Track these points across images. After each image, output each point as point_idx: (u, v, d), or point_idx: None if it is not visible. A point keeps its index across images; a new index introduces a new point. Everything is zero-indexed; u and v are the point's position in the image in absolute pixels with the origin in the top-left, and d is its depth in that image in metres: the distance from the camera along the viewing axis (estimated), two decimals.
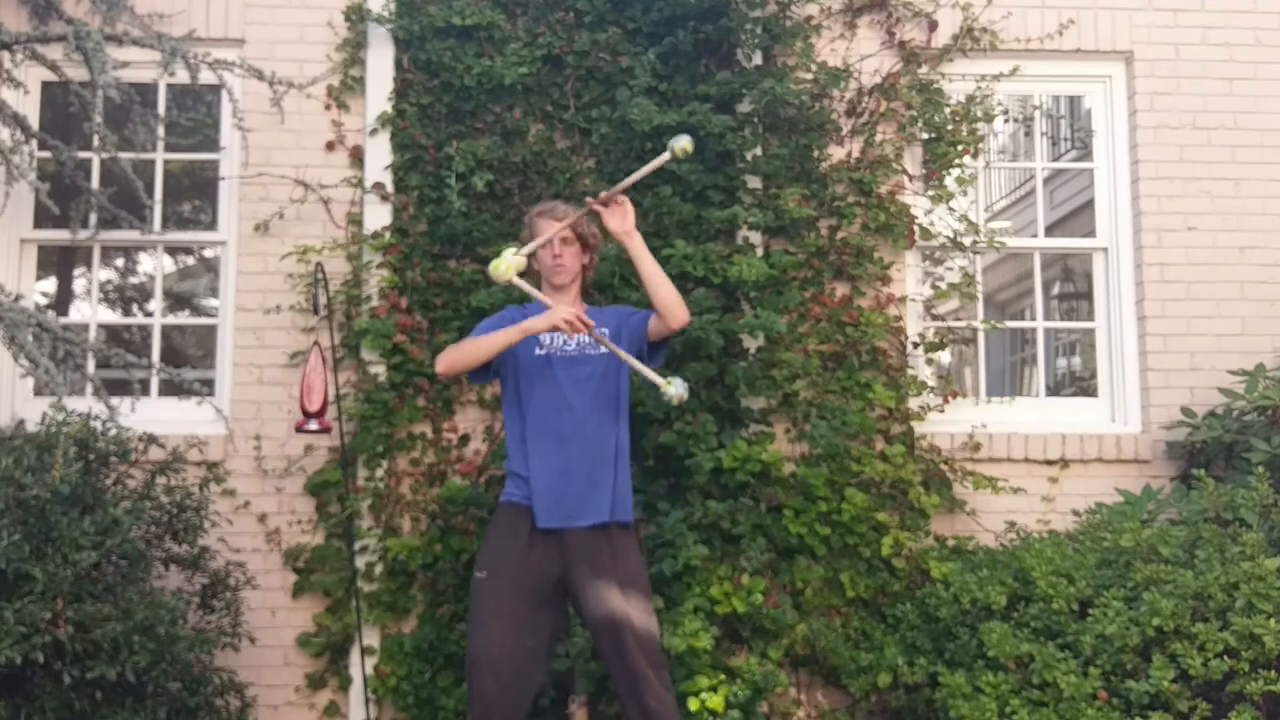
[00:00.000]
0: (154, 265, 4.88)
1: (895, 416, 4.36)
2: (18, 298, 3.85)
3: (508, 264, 3.15)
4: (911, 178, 4.57)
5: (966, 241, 4.54)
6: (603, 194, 3.20)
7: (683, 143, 3.14)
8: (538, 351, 3.28)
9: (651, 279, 3.24)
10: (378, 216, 4.33)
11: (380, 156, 4.36)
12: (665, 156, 3.19)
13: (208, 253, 6.04)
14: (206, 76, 4.02)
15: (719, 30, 4.35)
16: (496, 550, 3.21)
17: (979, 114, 4.54)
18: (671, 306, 3.23)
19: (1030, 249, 4.91)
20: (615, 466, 3.24)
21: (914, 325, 4.53)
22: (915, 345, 4.47)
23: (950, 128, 4.50)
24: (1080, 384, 7.76)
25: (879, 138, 4.52)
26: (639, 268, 3.26)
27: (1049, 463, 4.45)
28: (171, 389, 4.25)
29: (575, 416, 3.21)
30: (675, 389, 3.16)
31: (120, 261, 7.33)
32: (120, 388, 3.91)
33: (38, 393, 4.29)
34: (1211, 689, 3.18)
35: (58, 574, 3.22)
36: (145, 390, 4.15)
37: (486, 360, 3.21)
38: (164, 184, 4.51)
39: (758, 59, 4.47)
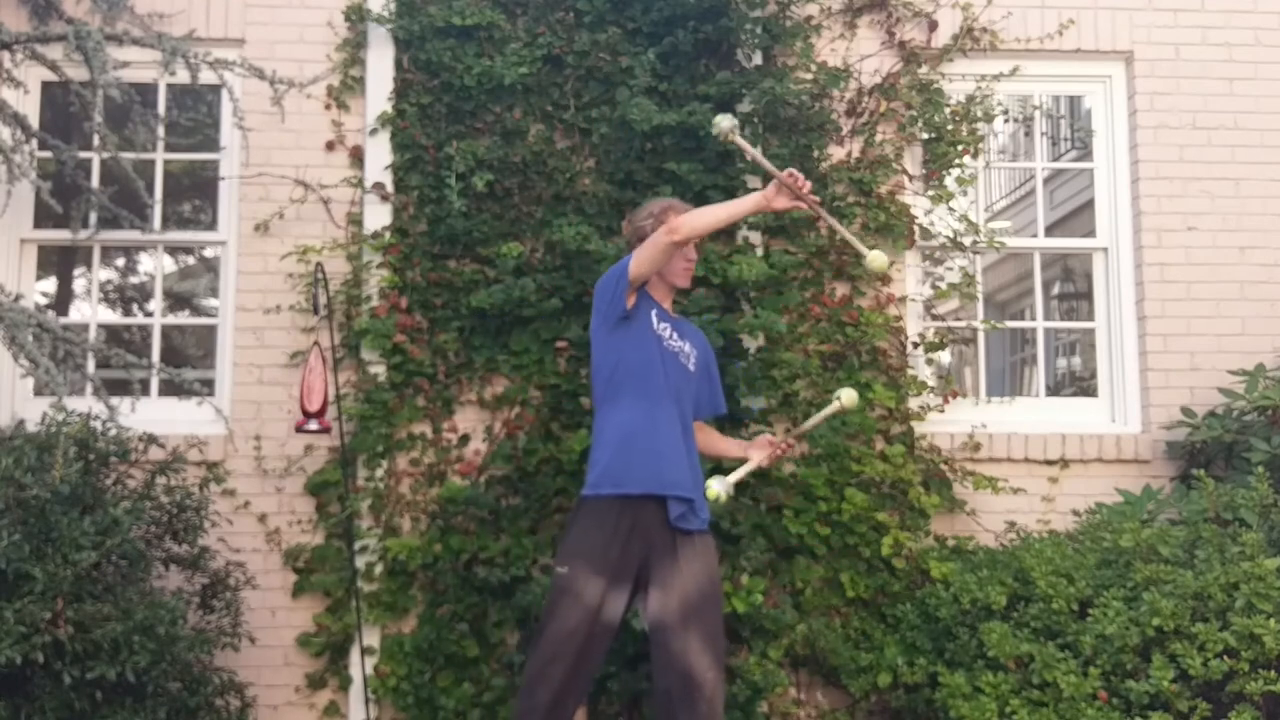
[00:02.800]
0: (154, 265, 4.88)
1: (895, 416, 4.36)
2: (18, 298, 3.85)
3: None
4: (911, 178, 4.57)
5: (966, 241, 4.54)
6: (790, 439, 3.41)
7: (852, 397, 3.28)
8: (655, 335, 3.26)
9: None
10: (378, 216, 4.33)
11: (380, 156, 4.36)
12: (835, 406, 3.29)
13: (208, 253, 6.04)
14: (207, 76, 4.01)
15: (719, 30, 4.35)
16: (580, 543, 3.16)
17: (979, 114, 4.54)
18: None
19: (1030, 249, 4.91)
20: (697, 470, 3.29)
21: (914, 325, 4.53)
22: (915, 345, 4.47)
23: (950, 128, 4.50)
24: (1080, 384, 7.76)
25: (879, 138, 4.52)
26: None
27: (1049, 463, 4.45)
28: (171, 389, 4.25)
29: (674, 412, 3.23)
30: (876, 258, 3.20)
31: (120, 261, 7.32)
32: (120, 388, 3.91)
33: (38, 393, 4.29)
34: (1211, 689, 3.18)
35: (58, 574, 3.22)
36: (145, 390, 4.15)
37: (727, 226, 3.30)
38: (164, 184, 4.50)
39: (758, 59, 4.47)
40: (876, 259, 3.12)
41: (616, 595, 3.13)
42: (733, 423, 4.21)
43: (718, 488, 3.12)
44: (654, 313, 3.27)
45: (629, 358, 3.20)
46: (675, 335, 3.29)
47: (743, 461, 3.37)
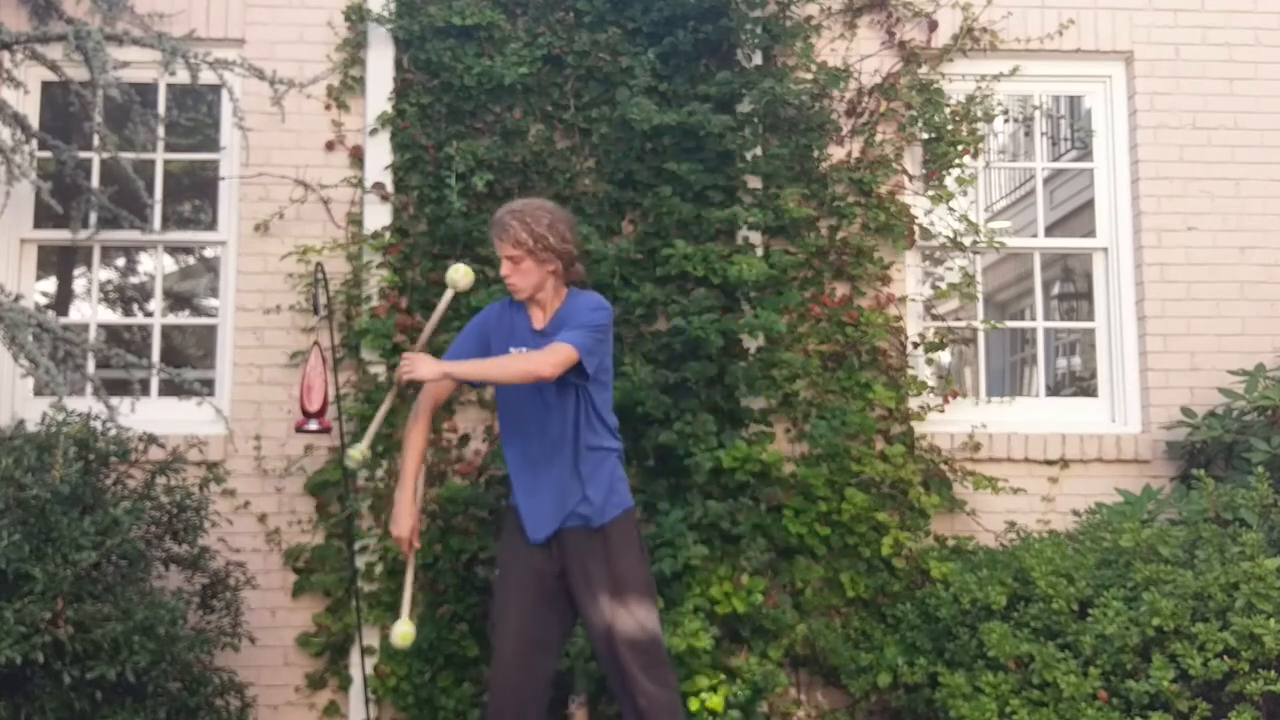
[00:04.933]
0: (154, 265, 4.88)
1: (895, 416, 4.36)
2: (18, 298, 3.85)
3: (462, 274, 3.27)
4: (911, 178, 4.57)
5: (966, 241, 4.54)
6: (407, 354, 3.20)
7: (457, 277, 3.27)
8: None
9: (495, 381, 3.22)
10: (378, 216, 4.33)
11: (380, 156, 4.36)
12: (450, 294, 3.28)
13: (208, 253, 6.04)
14: (207, 76, 4.01)
15: (719, 30, 4.35)
16: (504, 551, 3.32)
17: (979, 114, 4.54)
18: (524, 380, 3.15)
19: (1030, 249, 4.91)
20: (589, 472, 3.19)
21: (914, 325, 4.53)
22: (915, 345, 4.47)
23: (950, 128, 4.50)
24: (1080, 384, 7.76)
25: (879, 138, 4.52)
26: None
27: (1049, 463, 4.45)
28: (171, 389, 4.25)
29: (541, 429, 3.21)
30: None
31: (120, 261, 7.32)
32: (120, 388, 3.91)
33: (38, 393, 4.29)
34: (1211, 689, 3.18)
35: (58, 574, 3.22)
36: (145, 390, 4.14)
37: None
38: (164, 184, 4.50)
39: (758, 59, 4.47)
40: (455, 273, 3.26)
41: (547, 596, 3.20)
42: (733, 422, 4.21)
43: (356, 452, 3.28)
44: (511, 349, 3.24)
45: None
46: (525, 350, 3.23)
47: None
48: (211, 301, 5.94)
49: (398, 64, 4.40)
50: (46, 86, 4.45)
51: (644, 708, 3.13)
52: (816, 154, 4.46)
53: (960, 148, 4.50)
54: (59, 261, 5.93)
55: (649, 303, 4.21)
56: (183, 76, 3.93)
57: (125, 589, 3.46)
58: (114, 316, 7.27)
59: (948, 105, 4.51)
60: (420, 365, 3.09)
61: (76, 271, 6.04)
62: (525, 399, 3.22)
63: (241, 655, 3.87)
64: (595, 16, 4.40)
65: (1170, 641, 3.23)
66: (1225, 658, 3.15)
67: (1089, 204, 4.95)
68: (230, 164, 4.44)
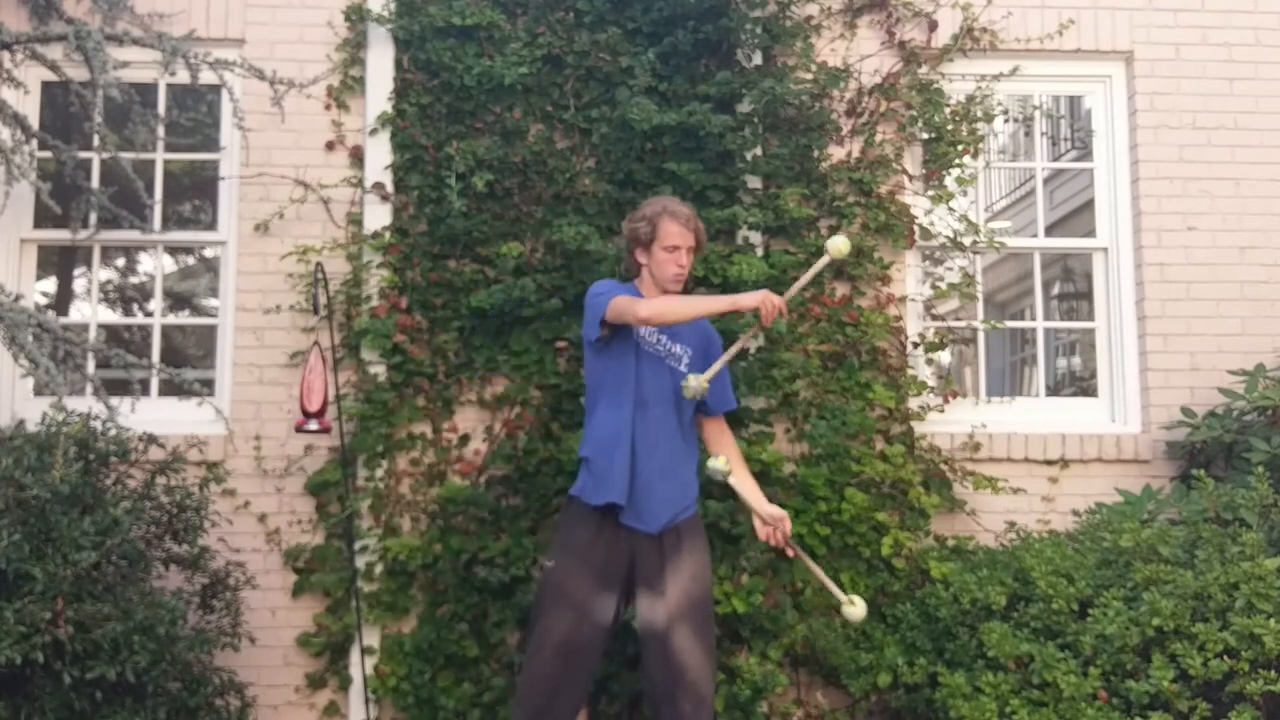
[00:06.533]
0: (154, 265, 4.88)
1: (895, 416, 4.36)
2: (18, 298, 3.85)
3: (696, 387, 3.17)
4: (911, 178, 4.57)
5: (966, 241, 4.54)
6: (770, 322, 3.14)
7: (839, 244, 3.19)
8: (636, 341, 3.26)
9: None
10: (378, 216, 4.33)
11: (380, 156, 4.36)
12: (825, 260, 3.22)
13: (208, 253, 6.04)
14: (207, 76, 4.02)
15: (719, 30, 4.35)
16: (566, 541, 3.23)
17: (979, 114, 4.54)
18: None
19: (1030, 249, 4.91)
20: (684, 469, 3.25)
21: (914, 325, 4.53)
22: (915, 345, 4.47)
23: (950, 128, 4.50)
24: (1080, 384, 7.76)
25: (879, 138, 4.52)
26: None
27: (1049, 463, 4.45)
28: (171, 389, 4.25)
29: (653, 415, 3.22)
30: (693, 383, 3.16)
31: (120, 261, 7.33)
32: (120, 388, 3.91)
33: (38, 393, 4.29)
34: (1211, 689, 3.18)
35: (58, 574, 3.22)
36: (145, 390, 4.15)
37: (693, 319, 3.25)
38: (164, 184, 4.51)
39: (758, 59, 4.47)
40: (841, 246, 3.18)
41: (605, 594, 3.15)
42: (733, 422, 4.21)
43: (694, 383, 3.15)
44: None
45: (606, 367, 3.28)
46: (664, 338, 3.29)
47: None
48: (211, 301, 5.95)
49: (398, 64, 4.40)
50: (46, 86, 4.46)
51: (688, 712, 3.08)
52: (816, 154, 4.46)
53: (960, 148, 4.50)
54: (59, 261, 5.93)
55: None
56: (183, 76, 3.94)
57: (125, 589, 3.47)
58: (114, 316, 7.28)
59: (948, 105, 4.51)
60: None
61: (76, 271, 6.04)
62: (669, 428, 3.24)
63: (241, 655, 3.87)
64: (595, 16, 4.40)
65: (1170, 641, 3.23)
66: (1225, 658, 3.15)
67: (1089, 204, 4.95)
68: (230, 164, 4.44)
